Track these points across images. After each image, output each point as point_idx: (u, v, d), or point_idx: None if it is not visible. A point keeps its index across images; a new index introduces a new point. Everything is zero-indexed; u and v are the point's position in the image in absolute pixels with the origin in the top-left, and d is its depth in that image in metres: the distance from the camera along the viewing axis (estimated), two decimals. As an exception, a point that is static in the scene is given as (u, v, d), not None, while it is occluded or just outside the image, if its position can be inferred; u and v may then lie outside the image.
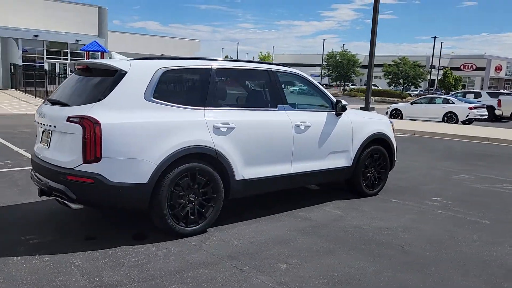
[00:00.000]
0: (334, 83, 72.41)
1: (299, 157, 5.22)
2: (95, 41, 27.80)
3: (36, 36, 31.69)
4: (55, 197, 4.10)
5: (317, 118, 5.43)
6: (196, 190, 4.35)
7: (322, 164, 5.51)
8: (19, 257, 3.70)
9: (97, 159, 3.82)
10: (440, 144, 12.86)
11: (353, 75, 67.40)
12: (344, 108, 5.62)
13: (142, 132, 4.00)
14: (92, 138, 3.79)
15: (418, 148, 11.99)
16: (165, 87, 4.30)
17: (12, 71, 30.16)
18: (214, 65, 4.68)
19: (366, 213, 5.39)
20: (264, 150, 4.87)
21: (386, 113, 23.73)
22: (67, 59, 33.41)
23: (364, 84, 76.58)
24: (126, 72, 4.07)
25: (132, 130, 3.96)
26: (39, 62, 32.48)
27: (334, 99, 5.67)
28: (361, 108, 13.75)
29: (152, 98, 4.14)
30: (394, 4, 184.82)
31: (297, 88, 8.50)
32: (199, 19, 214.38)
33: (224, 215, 4.86)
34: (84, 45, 29.04)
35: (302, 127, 5.20)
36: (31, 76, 26.79)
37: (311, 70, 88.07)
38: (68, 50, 33.69)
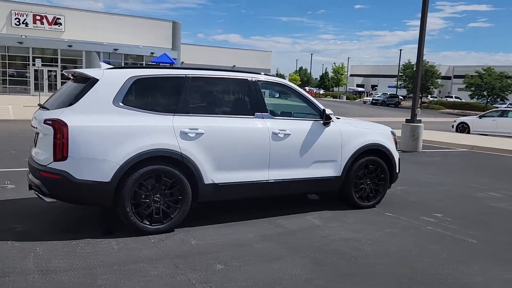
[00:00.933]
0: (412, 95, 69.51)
1: (277, 164, 5.28)
2: (164, 53, 29.54)
3: (116, 49, 34.46)
4: (34, 191, 4.59)
5: (300, 127, 5.46)
6: (162, 191, 4.61)
7: (306, 172, 5.51)
8: (-7, 242, 4.20)
9: (64, 157, 4.24)
10: (494, 161, 11.96)
11: (432, 87, 64.12)
12: (328, 117, 5.58)
13: (107, 134, 4.36)
14: (60, 139, 4.22)
15: (463, 163, 11.28)
16: (135, 94, 4.63)
17: (94, 81, 32.93)
18: (189, 73, 4.95)
19: (346, 224, 5.29)
20: (236, 156, 5.01)
21: (452, 126, 22.42)
22: (142, 71, 35.82)
23: (445, 97, 72.51)
24: (98, 80, 4.48)
25: (97, 132, 4.33)
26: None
27: (322, 108, 5.66)
28: (407, 121, 13.17)
29: (121, 104, 4.50)
30: (489, 11, 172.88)
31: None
32: (280, 31, 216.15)
33: (202, 217, 5.12)
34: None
35: (281, 135, 5.26)
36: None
37: (388, 81, 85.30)
38: (144, 62, 36.08)
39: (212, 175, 4.86)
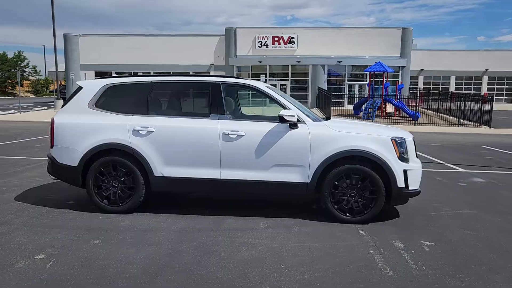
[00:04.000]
0: None
1: (229, 164, 5.42)
2: (379, 61, 29.15)
3: (339, 61, 35.97)
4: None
5: (256, 128, 5.40)
6: (119, 178, 5.56)
7: (265, 175, 5.40)
8: (18, 202, 6.04)
9: (52, 146, 5.73)
10: None
11: None
12: (282, 120, 5.27)
13: (77, 130, 5.62)
14: (51, 132, 5.73)
15: None
16: (106, 98, 5.72)
17: (317, 93, 35.38)
18: (154, 80, 5.71)
19: (285, 233, 4.96)
20: (185, 153, 5.45)
21: None
22: (365, 80, 36.15)
23: None
24: (82, 87, 5.81)
25: (70, 128, 5.65)
26: (340, 85, 36.69)
27: (284, 108, 5.39)
28: None
29: (94, 106, 5.69)
30: None
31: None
32: None
33: (171, 206, 5.81)
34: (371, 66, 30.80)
35: (233, 136, 5.38)
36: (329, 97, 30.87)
37: None
38: (368, 72, 36.28)
39: (161, 168, 5.49)
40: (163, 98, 5.84)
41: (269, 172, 5.41)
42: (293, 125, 5.37)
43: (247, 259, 4.13)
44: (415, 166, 5.46)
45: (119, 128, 5.55)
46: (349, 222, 5.34)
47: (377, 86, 29.11)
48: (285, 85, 37.62)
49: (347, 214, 5.37)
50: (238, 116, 5.69)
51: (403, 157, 5.36)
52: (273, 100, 5.60)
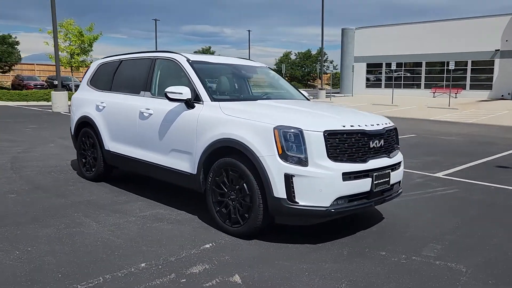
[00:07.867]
0: None
1: (142, 144, 5.11)
2: None
3: None
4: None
5: (162, 107, 4.82)
6: (89, 148, 6.12)
7: (165, 160, 4.81)
8: (64, 161, 7.45)
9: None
10: None
11: None
12: (168, 98, 4.45)
13: (75, 103, 6.44)
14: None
15: None
16: (96, 76, 6.24)
17: None
18: (122, 58, 5.89)
19: (144, 223, 4.34)
20: (119, 130, 5.47)
21: None
22: None
23: None
24: (89, 67, 6.59)
25: (73, 102, 6.51)
26: None
27: (196, 90, 4.56)
28: None
29: (89, 84, 6.37)
30: None
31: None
32: None
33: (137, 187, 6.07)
34: None
35: (146, 114, 5.03)
36: None
37: None
38: None
39: (109, 143, 5.70)
40: (122, 75, 5.90)
41: (168, 157, 4.78)
42: (189, 105, 4.54)
43: (49, 236, 3.98)
44: (315, 173, 3.65)
45: (91, 103, 6.06)
46: (227, 232, 4.13)
47: None
48: None
49: (227, 222, 4.16)
50: (162, 94, 5.14)
51: (289, 156, 3.68)
52: (188, 77, 4.78)
